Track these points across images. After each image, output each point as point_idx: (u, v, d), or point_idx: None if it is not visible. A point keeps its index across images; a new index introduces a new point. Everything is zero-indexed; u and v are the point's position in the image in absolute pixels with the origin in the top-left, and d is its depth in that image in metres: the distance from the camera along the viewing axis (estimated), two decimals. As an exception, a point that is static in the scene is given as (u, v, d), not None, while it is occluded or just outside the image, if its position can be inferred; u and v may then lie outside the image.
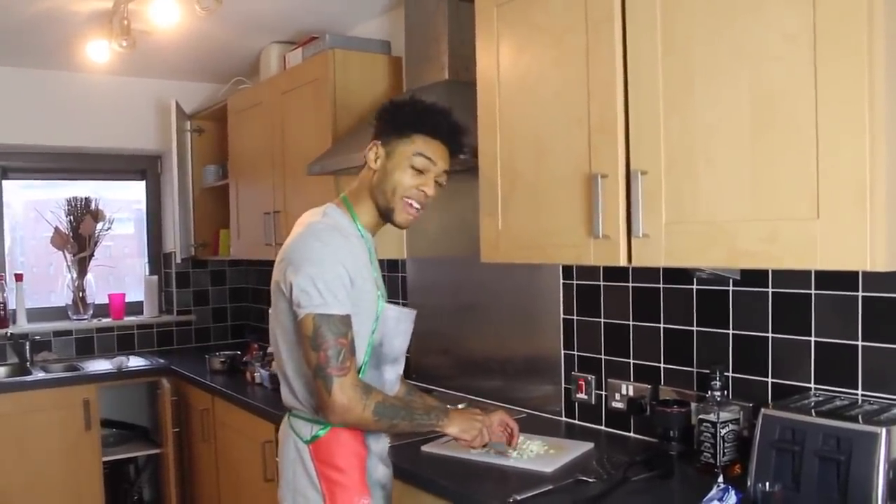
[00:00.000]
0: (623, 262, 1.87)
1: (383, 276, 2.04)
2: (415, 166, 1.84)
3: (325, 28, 3.57)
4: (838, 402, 1.81)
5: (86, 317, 4.54)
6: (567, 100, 2.00)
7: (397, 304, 1.98)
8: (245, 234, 4.05)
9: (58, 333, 4.46)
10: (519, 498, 1.84)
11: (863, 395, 1.85)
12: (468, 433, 1.95)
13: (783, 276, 2.01)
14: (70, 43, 3.72)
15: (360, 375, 1.82)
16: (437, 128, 1.86)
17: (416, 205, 1.86)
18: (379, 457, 1.92)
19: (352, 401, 1.73)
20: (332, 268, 1.74)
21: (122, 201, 4.88)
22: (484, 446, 2.06)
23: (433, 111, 1.89)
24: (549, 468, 2.07)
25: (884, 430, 1.57)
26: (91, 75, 4.35)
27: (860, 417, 1.67)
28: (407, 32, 2.99)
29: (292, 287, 1.76)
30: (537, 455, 2.17)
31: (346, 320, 1.75)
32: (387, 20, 3.49)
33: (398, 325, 1.92)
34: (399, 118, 1.88)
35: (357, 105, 3.22)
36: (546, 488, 1.90)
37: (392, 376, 1.96)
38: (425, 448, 2.30)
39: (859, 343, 1.86)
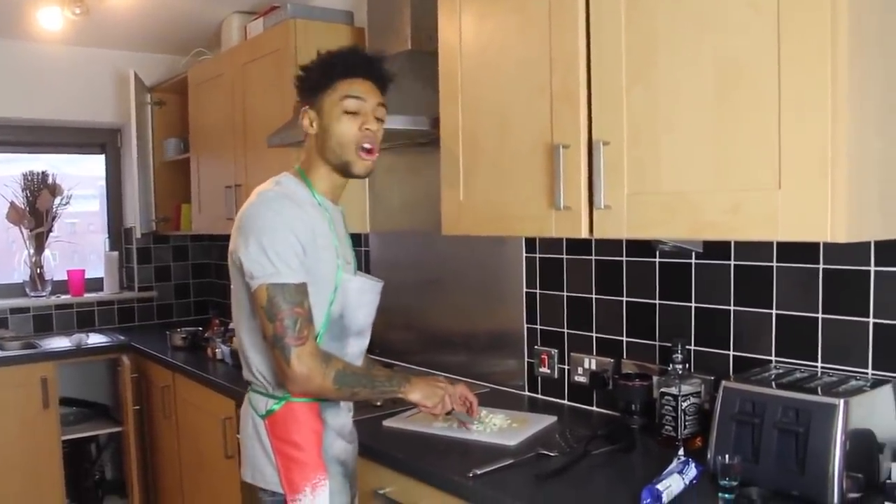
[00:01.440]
0: (585, 234, 1.85)
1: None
2: (348, 110, 1.80)
3: (287, -3, 3.49)
4: (798, 375, 1.81)
5: (44, 294, 4.45)
6: (529, 69, 1.97)
7: (362, 274, 1.93)
8: (207, 209, 3.98)
9: (14, 311, 4.36)
10: (479, 472, 1.82)
11: (822, 368, 1.86)
12: (430, 399, 1.92)
13: (745, 249, 2.00)
14: (21, 9, 3.60)
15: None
16: (352, 65, 1.82)
17: (367, 146, 1.81)
18: (338, 432, 1.89)
19: (311, 370, 1.70)
20: (283, 236, 1.70)
21: (87, 178, 4.78)
22: (448, 414, 2.03)
23: (342, 52, 1.85)
24: (511, 441, 2.06)
25: (842, 402, 1.56)
26: (46, 45, 4.22)
27: (819, 389, 1.67)
28: (369, 2, 2.93)
29: (241, 258, 1.72)
30: (500, 429, 2.16)
31: (301, 289, 1.71)
32: (350, -10, 3.43)
33: (361, 296, 1.89)
34: (313, 75, 1.84)
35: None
36: (507, 462, 1.88)
37: (356, 349, 1.93)
38: (387, 423, 2.27)
39: (819, 315, 1.86)
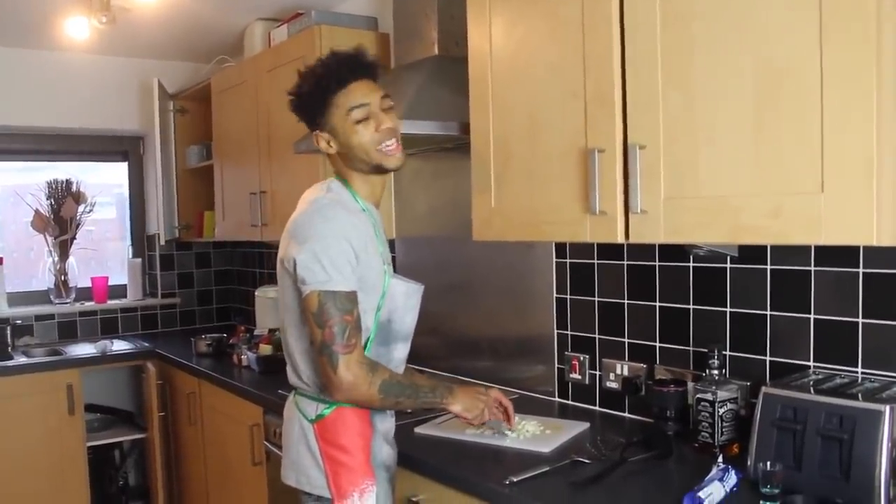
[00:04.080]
0: (621, 239, 1.84)
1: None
2: (357, 119, 1.79)
3: (311, 4, 3.49)
4: (838, 380, 1.79)
5: (68, 301, 4.47)
6: (562, 73, 1.95)
7: (403, 279, 1.93)
8: (230, 215, 3.98)
9: (40, 318, 4.39)
10: (516, 479, 1.81)
11: (863, 373, 1.83)
12: (471, 412, 1.93)
13: (782, 253, 1.98)
14: (49, 20, 3.63)
15: (366, 351, 1.80)
16: (337, 76, 1.79)
17: (390, 144, 1.81)
18: (384, 437, 1.90)
19: (357, 378, 1.71)
20: (336, 243, 1.71)
21: (103, 185, 4.80)
22: (482, 425, 2.03)
23: (325, 67, 1.81)
24: (545, 448, 2.04)
25: (887, 408, 1.54)
26: (71, 54, 4.26)
27: (861, 395, 1.64)
28: (395, 8, 2.93)
29: (296, 264, 1.73)
30: (533, 435, 2.14)
31: (351, 297, 1.72)
32: (374, -4, 3.43)
33: (407, 300, 1.90)
34: (307, 100, 1.82)
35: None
36: (543, 469, 1.87)
37: (402, 354, 1.94)
38: (419, 429, 2.26)
39: (860, 320, 1.84)
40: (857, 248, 1.81)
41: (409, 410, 2.31)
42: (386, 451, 1.90)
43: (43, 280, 4.52)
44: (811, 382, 1.78)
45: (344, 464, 1.80)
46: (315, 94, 1.80)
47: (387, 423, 1.92)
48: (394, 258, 3.33)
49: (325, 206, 1.78)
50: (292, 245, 1.75)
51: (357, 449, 1.81)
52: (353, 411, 1.82)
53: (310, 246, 1.71)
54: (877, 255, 1.79)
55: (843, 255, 1.85)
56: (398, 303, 1.87)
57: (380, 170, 1.85)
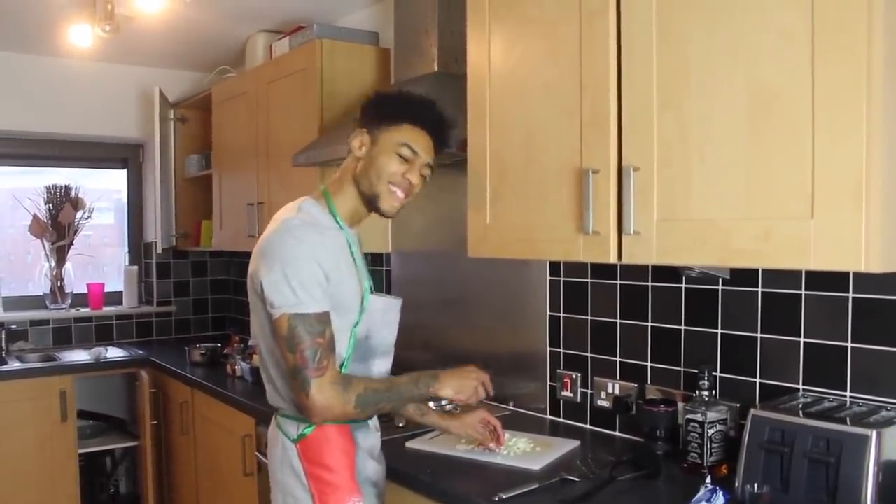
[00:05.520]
0: (613, 260, 1.85)
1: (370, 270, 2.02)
2: (401, 154, 1.82)
3: (313, 17, 3.53)
4: (827, 404, 1.80)
5: (64, 306, 4.48)
6: (559, 93, 1.97)
7: (381, 294, 1.94)
8: (228, 225, 4.00)
9: (34, 323, 4.39)
10: (505, 496, 1.81)
11: (851, 397, 1.84)
12: (463, 392, 1.88)
13: (773, 276, 1.99)
14: (52, 27, 3.65)
15: (343, 370, 1.80)
16: (425, 118, 1.85)
17: (400, 193, 1.84)
18: (369, 453, 1.89)
19: (330, 399, 1.69)
20: (306, 265, 1.70)
21: (102, 190, 4.81)
22: (472, 441, 2.04)
23: (422, 101, 1.88)
24: (535, 466, 2.05)
25: (874, 433, 1.55)
26: (73, 61, 4.28)
27: (849, 419, 1.65)
28: (396, 23, 2.95)
29: (262, 286, 1.71)
30: (524, 452, 2.15)
31: (322, 318, 1.71)
32: (375, 11, 3.45)
33: (385, 315, 1.90)
34: (387, 107, 1.87)
35: (344, 96, 3.18)
36: (532, 487, 1.87)
37: (382, 369, 1.93)
38: (410, 444, 2.27)
39: (848, 344, 1.85)
40: (848, 273, 1.83)
41: (398, 424, 2.32)
42: (371, 467, 1.89)
43: (39, 285, 4.52)
44: (800, 405, 1.79)
45: (329, 482, 1.80)
46: (396, 108, 1.85)
47: (370, 440, 1.91)
48: (388, 272, 3.36)
49: (296, 227, 1.76)
50: (261, 266, 1.73)
51: (342, 467, 1.81)
52: (335, 429, 1.81)
53: (279, 268, 1.69)
54: (866, 280, 1.81)
55: (834, 279, 1.86)
56: (376, 318, 1.87)
57: (371, 203, 1.85)
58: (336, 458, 1.81)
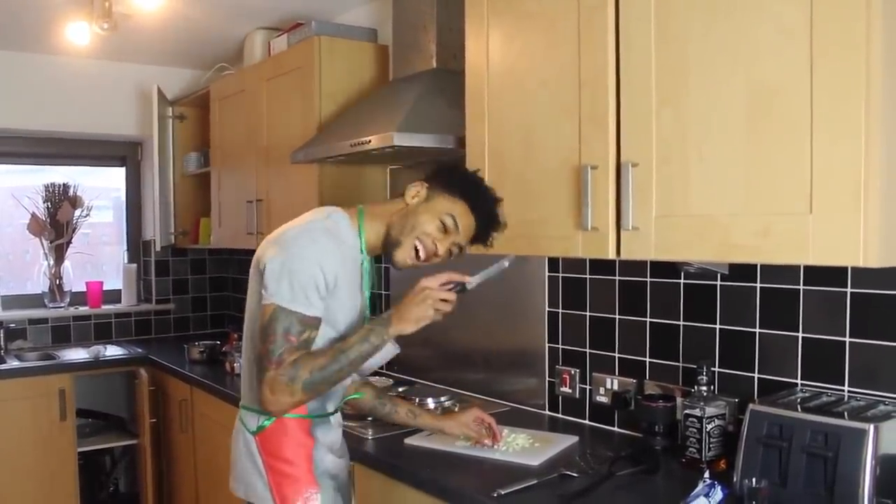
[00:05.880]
0: (612, 255, 1.85)
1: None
2: (443, 221, 1.83)
3: (311, 14, 3.52)
4: (825, 399, 1.80)
5: (62, 305, 4.48)
6: (557, 89, 1.98)
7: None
8: (226, 223, 4.00)
9: (33, 321, 4.39)
10: (504, 492, 1.82)
11: (849, 392, 1.85)
12: (423, 319, 1.79)
13: (771, 272, 2.00)
14: (50, 25, 3.65)
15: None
16: (483, 206, 1.87)
17: (421, 253, 1.83)
18: (329, 448, 1.91)
19: (277, 392, 1.69)
20: (310, 267, 1.71)
21: (101, 188, 4.81)
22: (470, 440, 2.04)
23: (487, 192, 1.91)
24: (534, 461, 2.05)
25: (871, 427, 1.56)
26: (71, 59, 4.28)
27: (847, 414, 1.66)
28: (394, 20, 2.95)
29: (265, 269, 1.73)
30: (522, 448, 2.15)
31: (306, 321, 1.71)
32: (373, 7, 3.45)
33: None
34: (456, 178, 1.89)
35: (342, 93, 3.18)
36: (531, 482, 1.88)
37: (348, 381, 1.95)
38: (409, 441, 2.27)
39: (847, 339, 1.86)
40: (846, 268, 1.83)
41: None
42: (330, 461, 1.90)
43: (38, 283, 4.53)
44: (798, 400, 1.80)
45: (287, 474, 1.83)
46: (464, 183, 1.88)
47: (331, 436, 1.92)
48: (387, 269, 3.35)
49: (315, 229, 1.78)
50: (270, 250, 1.75)
51: (299, 459, 1.84)
52: (294, 422, 1.84)
53: (285, 259, 1.71)
54: (864, 275, 1.81)
55: (832, 274, 1.87)
56: None
57: (390, 248, 1.85)
58: (294, 451, 1.83)
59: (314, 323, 1.73)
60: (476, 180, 1.93)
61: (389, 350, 1.84)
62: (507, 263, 1.89)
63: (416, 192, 1.86)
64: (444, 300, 1.79)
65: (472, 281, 1.84)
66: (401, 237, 1.84)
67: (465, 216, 1.84)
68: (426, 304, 1.78)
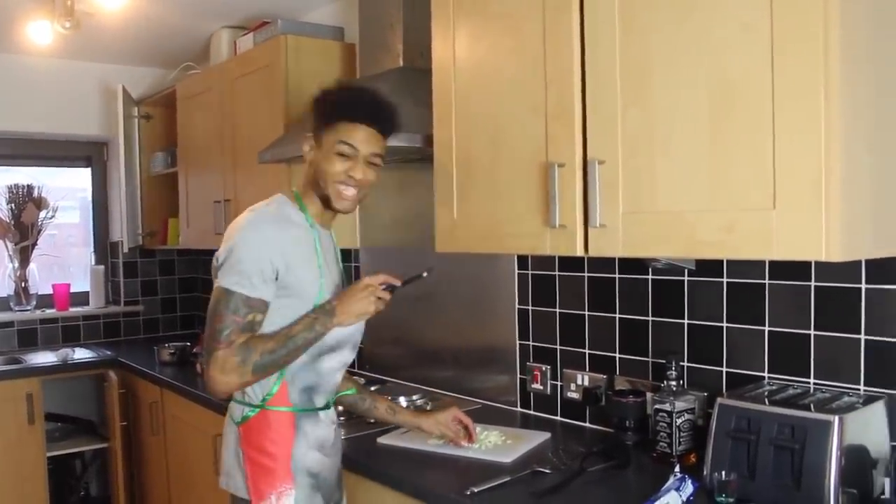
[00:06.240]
0: (580, 252, 1.86)
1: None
2: (341, 153, 1.84)
3: (277, 13, 3.50)
4: (791, 391, 1.83)
5: (29, 308, 4.41)
6: (524, 88, 1.98)
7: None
8: (195, 223, 3.96)
9: (-1, 325, 4.33)
10: (477, 490, 1.82)
11: (815, 384, 1.88)
12: (365, 312, 1.83)
13: (738, 267, 2.02)
14: (11, 23, 3.59)
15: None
16: (359, 112, 1.85)
17: (348, 191, 1.86)
18: (316, 444, 1.90)
19: (228, 373, 1.73)
20: (254, 251, 1.76)
21: (67, 189, 4.74)
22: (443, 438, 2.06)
23: (355, 94, 1.90)
24: (506, 458, 2.06)
25: (836, 419, 1.59)
26: (34, 58, 4.21)
27: (813, 406, 1.69)
28: (361, 19, 2.94)
29: (217, 259, 1.81)
30: (495, 445, 2.16)
31: (251, 303, 1.76)
32: (340, 6, 3.44)
33: None
34: (323, 107, 1.89)
35: (309, 92, 3.05)
36: (503, 480, 1.88)
37: (334, 364, 1.93)
38: (381, 440, 2.27)
39: (811, 332, 1.88)
40: (810, 262, 1.86)
41: (372, 418, 2.31)
42: (312, 458, 1.90)
43: (2, 286, 4.46)
44: (765, 393, 1.82)
45: (263, 465, 1.84)
46: (331, 106, 1.87)
47: (319, 431, 1.91)
48: (357, 268, 3.35)
49: (257, 217, 1.83)
50: (222, 243, 1.82)
51: (278, 451, 1.85)
52: (277, 413, 1.85)
53: (230, 245, 1.78)
54: (828, 269, 1.84)
55: (796, 269, 1.90)
56: None
57: (326, 203, 1.89)
58: (273, 443, 1.84)
59: (259, 306, 1.77)
60: (335, 95, 1.89)
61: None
62: (425, 274, 1.96)
63: (307, 145, 1.90)
64: (380, 298, 1.85)
65: (400, 284, 1.92)
66: (326, 191, 1.86)
67: (351, 131, 1.84)
68: (368, 300, 1.83)
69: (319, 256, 1.89)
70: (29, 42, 3.66)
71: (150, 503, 3.86)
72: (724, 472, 1.65)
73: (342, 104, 1.86)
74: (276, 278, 1.79)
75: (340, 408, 2.17)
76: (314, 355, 1.87)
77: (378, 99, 1.90)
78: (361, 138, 1.84)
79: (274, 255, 1.78)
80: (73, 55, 4.26)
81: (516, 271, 2.63)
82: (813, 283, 1.87)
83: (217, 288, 1.78)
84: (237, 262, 1.76)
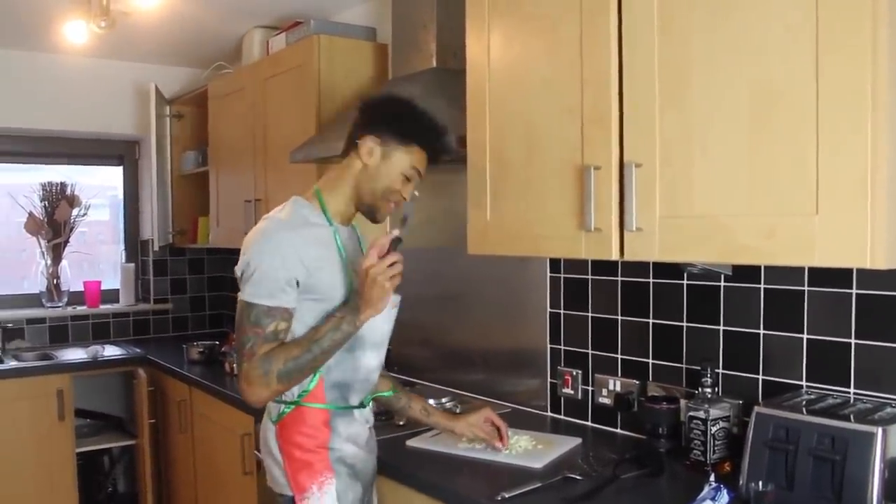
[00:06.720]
0: (615, 256, 1.84)
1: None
2: (409, 177, 1.90)
3: (310, 13, 3.50)
4: (831, 401, 1.79)
5: (60, 304, 4.46)
6: (559, 89, 1.96)
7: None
8: (224, 222, 3.98)
9: (31, 321, 4.37)
10: (507, 495, 1.80)
11: (855, 394, 1.83)
12: (385, 297, 1.77)
13: (775, 273, 1.98)
14: (47, 23, 3.63)
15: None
16: (434, 144, 1.94)
17: (394, 207, 1.93)
18: (350, 439, 1.91)
19: (253, 383, 1.76)
20: (270, 262, 1.77)
21: (98, 187, 4.78)
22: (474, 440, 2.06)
23: (432, 125, 1.94)
24: (537, 464, 2.04)
25: (880, 430, 1.55)
26: (69, 57, 4.25)
27: (854, 416, 1.65)
28: (394, 19, 2.93)
29: (237, 273, 1.84)
30: (525, 450, 2.14)
31: (271, 312, 1.77)
32: (372, 6, 3.43)
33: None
34: (402, 124, 1.90)
35: (341, 92, 3.16)
36: (534, 486, 1.86)
37: (373, 362, 1.94)
38: (410, 442, 2.26)
39: (852, 341, 1.84)
40: (851, 269, 1.82)
41: (402, 419, 2.29)
42: (350, 450, 1.90)
43: (35, 282, 4.50)
44: (803, 402, 1.78)
45: (301, 459, 1.86)
46: (413, 129, 1.90)
47: (354, 428, 1.92)
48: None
49: (273, 224, 1.84)
50: (241, 257, 1.84)
51: (314, 446, 1.86)
52: (311, 410, 1.87)
53: (247, 258, 1.80)
54: (870, 276, 1.80)
55: (837, 275, 1.86)
56: None
57: (370, 213, 1.94)
58: (308, 438, 1.86)
59: (282, 315, 1.78)
60: (416, 116, 1.93)
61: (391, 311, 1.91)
62: (406, 215, 1.89)
63: (368, 149, 1.88)
64: (391, 266, 1.77)
65: (400, 231, 1.83)
66: (376, 202, 1.90)
67: (423, 159, 1.92)
68: (378, 283, 1.76)
69: (342, 252, 1.88)
70: (64, 41, 3.70)
71: (178, 500, 3.88)
72: (761, 483, 1.61)
73: (424, 131, 1.92)
74: (298, 284, 1.79)
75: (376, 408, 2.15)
76: (354, 350, 1.88)
77: (447, 139, 2.01)
78: (425, 166, 1.93)
79: (290, 262, 1.78)
80: (107, 54, 4.30)
81: (548, 274, 2.60)
82: (854, 291, 1.83)
83: (239, 301, 1.81)
84: (254, 274, 1.77)
